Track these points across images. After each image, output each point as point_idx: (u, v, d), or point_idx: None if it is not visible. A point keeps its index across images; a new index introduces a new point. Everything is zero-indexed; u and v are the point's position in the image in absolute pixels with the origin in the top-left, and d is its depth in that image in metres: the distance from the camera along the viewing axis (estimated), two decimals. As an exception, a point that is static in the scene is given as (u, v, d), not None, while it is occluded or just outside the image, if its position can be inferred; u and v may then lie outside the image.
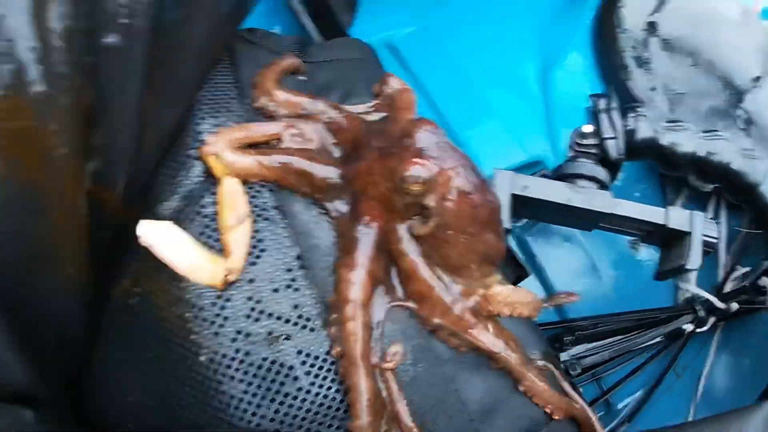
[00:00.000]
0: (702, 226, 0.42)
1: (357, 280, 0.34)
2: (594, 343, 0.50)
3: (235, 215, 0.33)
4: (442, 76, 0.56)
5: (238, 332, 0.33)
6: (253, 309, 0.33)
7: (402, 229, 0.35)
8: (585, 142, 0.45)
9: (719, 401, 0.56)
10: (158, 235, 0.32)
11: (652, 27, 0.60)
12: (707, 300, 0.54)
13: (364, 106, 0.41)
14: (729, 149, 0.48)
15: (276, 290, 0.34)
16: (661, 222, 0.42)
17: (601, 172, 0.44)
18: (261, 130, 0.36)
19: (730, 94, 0.58)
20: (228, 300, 0.33)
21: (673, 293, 0.58)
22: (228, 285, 0.33)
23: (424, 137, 0.34)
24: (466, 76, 0.56)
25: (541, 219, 0.50)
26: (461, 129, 0.54)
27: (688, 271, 0.42)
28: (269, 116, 0.38)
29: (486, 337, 0.36)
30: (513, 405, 0.35)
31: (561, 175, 0.44)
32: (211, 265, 0.33)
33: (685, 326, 0.54)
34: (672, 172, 0.51)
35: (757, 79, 0.60)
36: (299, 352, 0.33)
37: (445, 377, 0.34)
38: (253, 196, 0.35)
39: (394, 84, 0.42)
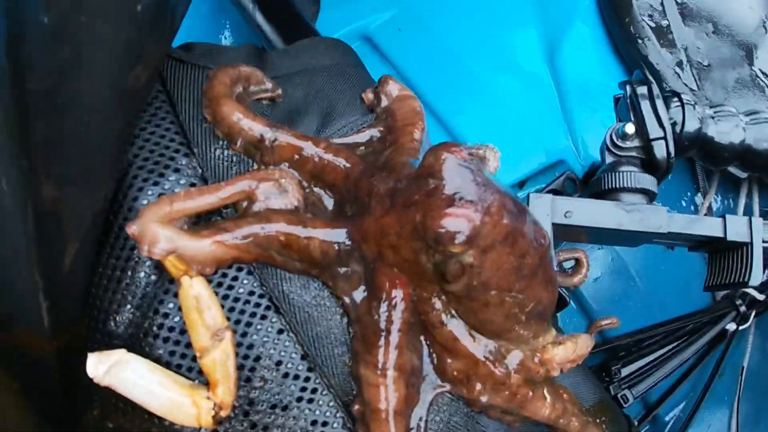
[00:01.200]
0: (761, 234, 0.36)
1: (387, 383, 0.25)
2: (641, 362, 0.44)
3: (208, 331, 0.23)
4: (431, 67, 0.46)
5: None
6: None
7: (436, 296, 0.27)
8: (627, 144, 0.36)
9: (760, 391, 0.53)
10: (113, 372, 0.23)
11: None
12: (745, 293, 0.49)
13: (356, 134, 0.31)
14: None
15: (285, 407, 0.26)
16: (719, 235, 0.36)
17: (650, 181, 0.36)
18: (219, 194, 0.26)
19: (750, 59, 0.52)
20: (228, 434, 0.25)
21: (710, 289, 0.53)
22: (221, 421, 0.24)
23: (454, 174, 0.25)
24: (460, 64, 0.47)
25: (581, 241, 0.42)
26: (462, 131, 0.45)
27: (748, 286, 0.35)
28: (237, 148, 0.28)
29: (544, 409, 0.30)
30: None
31: (603, 190, 0.36)
32: (193, 400, 0.23)
33: (728, 326, 0.49)
34: (715, 166, 0.44)
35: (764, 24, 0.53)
36: None
37: None
38: (230, 287, 0.26)
39: (392, 90, 0.32)
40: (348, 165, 0.29)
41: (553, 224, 0.33)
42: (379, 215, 0.26)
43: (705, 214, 0.50)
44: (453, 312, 0.27)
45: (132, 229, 0.24)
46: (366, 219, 0.26)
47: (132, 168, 0.27)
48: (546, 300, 0.28)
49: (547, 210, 0.33)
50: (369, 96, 0.33)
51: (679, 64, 0.49)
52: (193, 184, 0.28)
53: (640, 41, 0.48)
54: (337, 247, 0.26)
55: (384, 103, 0.33)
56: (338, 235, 0.26)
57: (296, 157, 0.28)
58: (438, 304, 0.27)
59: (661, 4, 0.50)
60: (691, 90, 0.49)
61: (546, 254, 0.27)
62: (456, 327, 0.27)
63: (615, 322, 0.45)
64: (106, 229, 0.26)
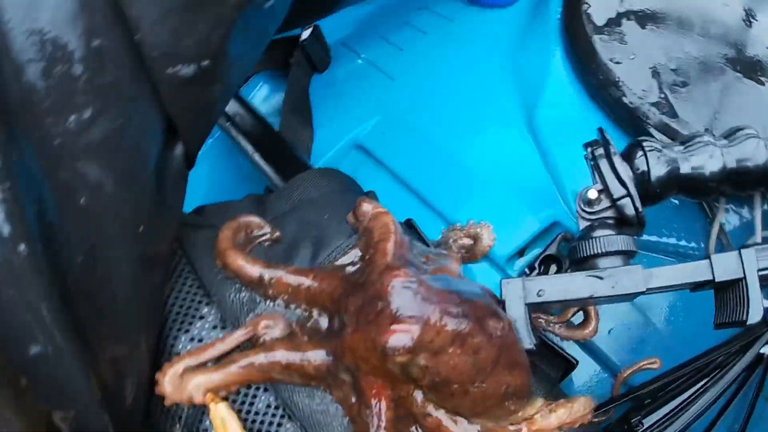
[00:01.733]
0: (756, 265, 0.35)
1: (380, 476, 0.30)
2: (666, 408, 0.42)
3: (231, 444, 0.30)
4: (419, 161, 0.51)
5: None
6: None
7: (414, 392, 0.32)
8: (595, 209, 0.38)
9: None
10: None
11: (627, 15, 0.53)
12: None
13: (343, 256, 0.37)
14: (761, 146, 0.40)
15: None
16: (707, 278, 0.35)
17: (625, 242, 0.36)
18: (228, 343, 0.33)
19: (732, 61, 0.51)
20: None
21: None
22: None
23: (396, 295, 0.30)
24: (443, 152, 0.51)
25: (567, 308, 0.44)
26: (456, 213, 0.49)
27: (749, 326, 0.35)
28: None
29: (538, 483, 0.33)
30: None
31: (579, 258, 0.38)
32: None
33: (762, 350, 0.45)
34: (705, 198, 0.43)
35: (748, 14, 0.52)
36: None
37: None
38: (251, 403, 0.33)
39: (367, 210, 0.38)
40: (331, 288, 0.35)
41: (528, 304, 0.36)
42: (350, 332, 0.32)
43: (717, 239, 0.50)
44: (434, 402, 0.32)
45: (168, 402, 0.31)
46: (343, 335, 0.32)
47: (168, 321, 0.35)
48: (514, 383, 0.32)
49: (520, 293, 0.36)
50: (351, 219, 0.39)
51: (654, 96, 0.50)
52: (215, 327, 0.35)
53: (611, 86, 0.49)
54: (326, 363, 0.33)
55: (364, 222, 0.39)
56: (326, 354, 0.33)
57: (290, 289, 0.35)
58: (419, 398, 0.32)
59: (623, 38, 0.51)
60: (674, 117, 0.49)
61: (503, 344, 0.32)
62: (440, 416, 0.32)
63: (656, 364, 0.44)
64: (154, 369, 0.35)
